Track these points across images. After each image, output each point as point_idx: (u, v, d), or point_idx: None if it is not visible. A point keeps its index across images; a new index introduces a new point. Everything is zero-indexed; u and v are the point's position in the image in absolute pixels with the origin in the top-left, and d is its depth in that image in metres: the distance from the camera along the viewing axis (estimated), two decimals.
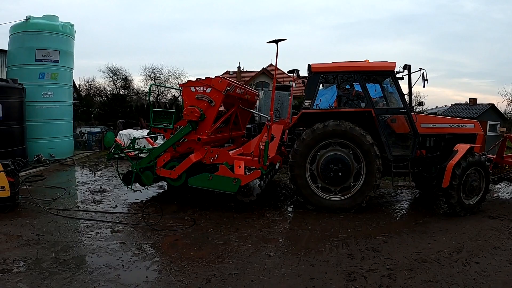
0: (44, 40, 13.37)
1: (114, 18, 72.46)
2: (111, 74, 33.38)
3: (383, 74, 8.60)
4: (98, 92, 31.84)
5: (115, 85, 33.10)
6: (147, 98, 33.91)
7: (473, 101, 23.75)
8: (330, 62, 8.78)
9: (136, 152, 8.83)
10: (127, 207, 8.22)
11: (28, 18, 13.14)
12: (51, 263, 5.26)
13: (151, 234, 6.52)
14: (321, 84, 8.91)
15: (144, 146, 9.48)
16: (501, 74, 71.83)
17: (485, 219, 7.93)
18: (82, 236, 6.40)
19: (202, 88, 7.93)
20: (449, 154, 8.09)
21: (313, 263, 5.49)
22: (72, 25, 14.30)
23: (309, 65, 8.51)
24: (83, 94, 28.86)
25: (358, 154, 8.11)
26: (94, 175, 11.93)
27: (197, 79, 7.99)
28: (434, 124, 8.74)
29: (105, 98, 29.12)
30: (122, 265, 5.27)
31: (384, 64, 8.47)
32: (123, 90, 32.04)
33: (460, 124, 8.92)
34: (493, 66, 71.96)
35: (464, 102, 26.55)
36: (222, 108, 8.80)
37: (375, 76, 8.75)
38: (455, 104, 27.67)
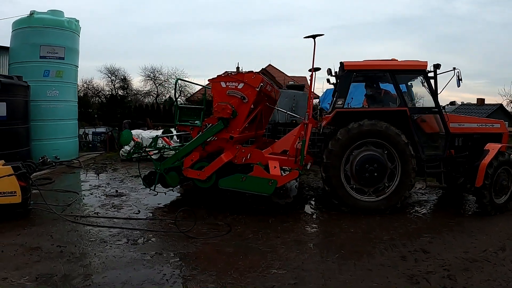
0: (49, 36, 12.26)
1: (110, 20, 70.48)
2: (109, 74, 32.21)
3: (415, 73, 8.14)
4: (96, 92, 30.68)
5: (114, 85, 31.92)
6: (145, 98, 32.96)
7: (481, 101, 23.25)
8: (362, 60, 8.21)
9: (155, 151, 7.97)
10: (151, 212, 7.31)
11: (32, 13, 12.04)
12: (82, 280, 4.40)
13: (187, 243, 5.67)
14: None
15: (163, 145, 8.60)
16: (495, 76, 72.16)
17: None
18: (111, 246, 5.50)
19: (233, 84, 7.11)
20: (476, 153, 7.78)
21: (370, 268, 5.01)
22: (77, 21, 13.22)
23: (341, 63, 7.96)
24: (81, 94, 27.57)
25: (392, 154, 7.59)
26: (106, 177, 10.90)
27: (227, 73, 7.18)
28: (462, 124, 8.27)
29: (104, 99, 27.97)
30: (167, 280, 4.46)
31: (416, 63, 8.00)
32: (121, 91, 30.88)
33: (487, 124, 8.51)
34: (487, 68, 72.29)
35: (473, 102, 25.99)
36: None
37: (406, 75, 8.24)
38: (463, 104, 27.17)
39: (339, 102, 7.82)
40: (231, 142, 7.29)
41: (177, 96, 7.38)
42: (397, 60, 8.14)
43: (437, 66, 7.84)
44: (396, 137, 7.45)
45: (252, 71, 7.05)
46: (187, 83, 34.79)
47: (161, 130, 14.91)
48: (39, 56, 12.26)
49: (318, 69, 8.80)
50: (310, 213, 7.53)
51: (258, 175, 6.89)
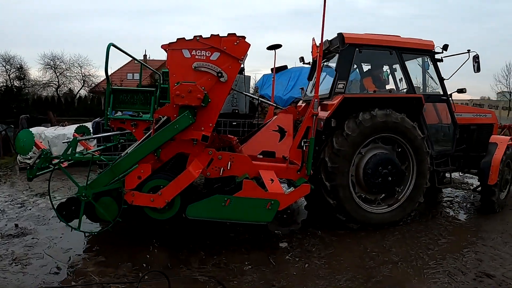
0: None
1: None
2: (4, 63, 25.99)
3: (421, 53, 6.28)
4: None
5: (9, 75, 25.76)
6: (44, 90, 27.52)
7: None
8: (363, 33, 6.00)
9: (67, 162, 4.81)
10: (79, 267, 4.15)
11: None
12: None
13: None
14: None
15: (84, 152, 5.38)
16: None
17: None
18: None
19: (203, 53, 4.28)
20: (473, 147, 6.71)
21: None
22: None
23: (340, 35, 5.63)
24: None
25: (406, 152, 5.76)
26: None
27: (195, 37, 4.31)
28: (460, 114, 6.75)
29: None
30: None
31: (423, 42, 6.22)
32: (18, 81, 25.04)
33: (481, 114, 7.13)
34: None
35: None
36: None
37: (411, 55, 6.31)
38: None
39: (340, 86, 5.58)
40: (201, 145, 4.50)
41: (108, 68, 4.33)
42: (400, 36, 6.20)
43: (445, 48, 6.16)
44: (413, 131, 5.64)
45: (235, 34, 4.29)
46: (90, 71, 30.23)
47: (68, 127, 11.29)
48: None
49: (279, 46, 6.66)
50: (314, 238, 5.08)
51: (251, 195, 4.23)
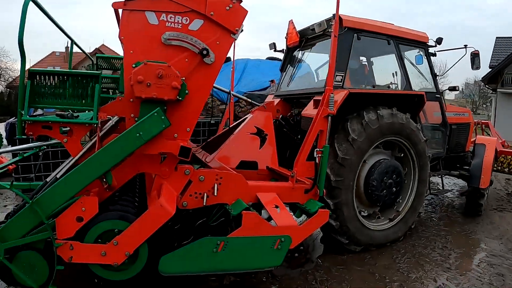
0: None
1: None
2: None
3: (417, 44, 5.32)
4: None
5: None
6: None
7: None
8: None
9: None
10: None
11: None
12: None
13: None
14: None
15: None
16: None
17: (504, 213, 6.30)
18: None
19: (179, 19, 2.70)
20: (453, 147, 6.04)
21: None
22: None
23: (339, 17, 4.30)
24: None
25: (407, 157, 4.80)
26: None
27: None
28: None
29: None
30: None
31: (418, 33, 5.31)
32: None
33: (460, 113, 6.46)
34: None
35: None
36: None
37: (405, 46, 5.27)
38: None
39: (339, 78, 4.33)
40: (173, 162, 2.91)
41: (26, 60, 2.71)
42: (393, 24, 5.15)
43: (439, 41, 5.36)
44: (417, 134, 4.70)
45: None
46: (7, 64, 26.20)
47: None
48: None
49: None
50: (314, 271, 3.79)
51: (254, 233, 2.79)
